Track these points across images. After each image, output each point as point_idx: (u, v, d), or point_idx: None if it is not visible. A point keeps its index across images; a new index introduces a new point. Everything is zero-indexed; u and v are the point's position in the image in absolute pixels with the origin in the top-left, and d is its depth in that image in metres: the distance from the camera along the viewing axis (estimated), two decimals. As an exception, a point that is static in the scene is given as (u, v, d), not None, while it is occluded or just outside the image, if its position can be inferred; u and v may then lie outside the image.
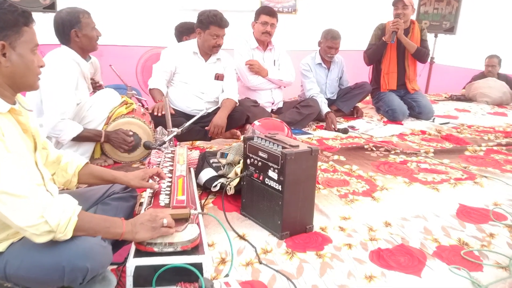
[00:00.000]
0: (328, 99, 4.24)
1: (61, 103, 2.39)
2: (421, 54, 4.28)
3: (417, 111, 4.29)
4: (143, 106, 3.17)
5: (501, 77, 5.34)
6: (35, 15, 1.34)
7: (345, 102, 4.31)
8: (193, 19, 3.28)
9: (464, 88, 5.58)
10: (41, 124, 2.40)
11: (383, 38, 4.21)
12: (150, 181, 1.76)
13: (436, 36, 5.45)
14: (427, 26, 5.24)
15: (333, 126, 3.79)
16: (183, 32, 3.89)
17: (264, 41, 3.86)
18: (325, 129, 3.87)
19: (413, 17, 4.90)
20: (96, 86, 2.94)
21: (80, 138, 2.48)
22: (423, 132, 3.79)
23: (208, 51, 3.26)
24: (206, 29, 3.15)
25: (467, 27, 5.43)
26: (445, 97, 5.52)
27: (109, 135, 2.55)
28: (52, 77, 2.34)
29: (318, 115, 3.97)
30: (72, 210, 1.24)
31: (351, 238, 1.88)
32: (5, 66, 1.26)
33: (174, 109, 3.20)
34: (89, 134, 2.51)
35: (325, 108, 4.00)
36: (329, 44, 4.12)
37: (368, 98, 4.93)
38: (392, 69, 4.33)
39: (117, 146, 2.57)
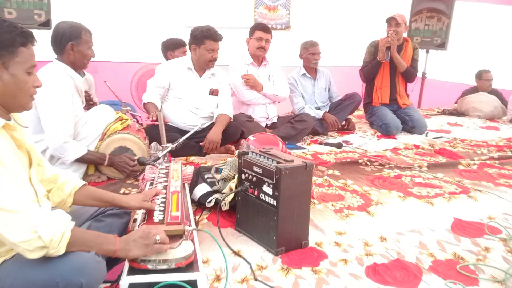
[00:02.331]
0: (319, 109, 4.38)
1: (64, 123, 2.40)
2: (409, 74, 4.36)
3: (410, 125, 4.33)
4: (137, 122, 3.17)
5: (492, 91, 5.42)
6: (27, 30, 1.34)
7: (337, 114, 4.37)
8: (187, 35, 3.30)
9: (456, 102, 5.64)
10: (38, 140, 2.39)
11: (377, 57, 4.26)
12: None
13: (427, 51, 5.53)
14: (418, 42, 5.31)
15: (336, 124, 4.16)
16: (168, 47, 3.94)
17: (259, 56, 3.90)
18: (328, 131, 4.19)
19: (405, 33, 4.97)
20: (90, 104, 2.94)
21: (83, 160, 2.49)
22: (417, 147, 3.82)
23: (204, 65, 3.28)
24: (201, 44, 3.18)
25: (458, 43, 5.52)
26: (438, 112, 5.57)
27: (113, 159, 2.56)
28: (49, 94, 2.34)
29: (312, 129, 4.00)
30: (65, 226, 1.23)
31: (346, 254, 1.87)
32: None
33: (168, 125, 3.20)
34: (92, 157, 2.52)
35: (318, 113, 4.22)
36: (312, 51, 4.32)
37: (362, 112, 4.98)
38: (385, 84, 4.38)
39: (120, 170, 2.60)
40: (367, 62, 4.44)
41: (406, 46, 4.34)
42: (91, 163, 2.57)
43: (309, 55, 4.33)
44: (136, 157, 2.61)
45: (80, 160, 2.47)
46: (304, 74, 4.41)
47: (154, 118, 2.99)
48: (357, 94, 4.48)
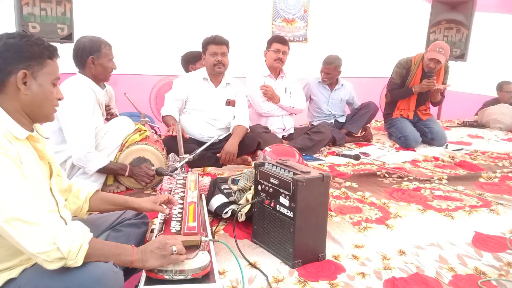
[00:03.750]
0: (336, 121, 4.46)
1: (87, 134, 2.45)
2: (437, 103, 4.38)
3: (429, 138, 4.26)
4: (156, 133, 3.21)
5: None
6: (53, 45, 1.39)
7: (353, 124, 4.40)
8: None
9: (476, 114, 5.55)
10: (59, 150, 2.44)
11: (413, 89, 4.13)
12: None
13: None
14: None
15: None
16: (189, 61, 3.97)
17: (276, 68, 3.92)
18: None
19: (423, 45, 4.93)
20: (109, 113, 3.00)
21: (105, 170, 2.53)
22: (436, 159, 3.76)
23: (211, 71, 3.32)
24: (206, 50, 3.27)
25: (478, 54, 5.45)
26: (458, 124, 5.49)
27: (133, 169, 2.60)
28: (71, 107, 2.39)
29: (329, 140, 4.03)
30: (83, 237, 1.25)
31: (364, 267, 1.84)
32: (24, 94, 1.30)
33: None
34: (114, 167, 2.56)
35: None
36: (322, 69, 4.40)
37: (380, 124, 4.93)
38: (411, 107, 4.32)
39: (139, 180, 2.63)
40: (396, 84, 4.30)
41: (439, 71, 4.17)
42: (113, 173, 2.61)
43: (321, 72, 4.41)
44: (154, 168, 2.65)
45: (101, 171, 2.51)
46: (320, 82, 4.45)
47: (175, 134, 3.01)
48: (373, 103, 4.47)
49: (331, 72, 4.33)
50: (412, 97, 4.27)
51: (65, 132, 2.45)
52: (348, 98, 4.54)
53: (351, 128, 4.40)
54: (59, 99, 1.40)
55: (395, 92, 4.33)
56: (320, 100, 4.43)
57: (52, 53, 1.35)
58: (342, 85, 4.49)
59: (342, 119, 4.49)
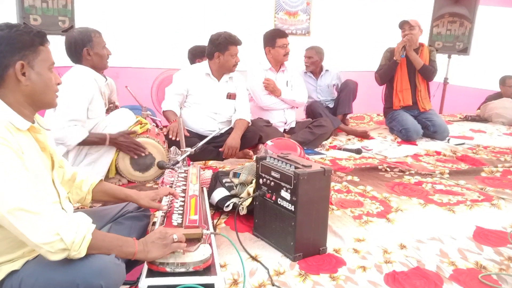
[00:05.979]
0: (327, 107, 4.60)
1: (72, 111, 2.42)
2: (427, 71, 4.25)
3: (432, 130, 4.25)
4: (157, 126, 3.21)
5: None
6: (55, 37, 1.40)
7: (342, 105, 4.54)
8: (206, 41, 3.34)
9: (479, 108, 5.54)
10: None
11: (394, 58, 4.25)
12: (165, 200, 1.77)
13: (449, 57, 5.44)
14: (440, 47, 5.24)
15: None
16: (196, 55, 3.96)
17: (283, 62, 3.93)
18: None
19: (426, 38, 4.91)
20: (111, 107, 2.99)
21: (86, 143, 2.50)
22: (438, 153, 3.75)
23: (228, 71, 3.34)
24: (226, 50, 3.24)
25: (481, 48, 5.41)
26: (460, 118, 5.47)
27: (115, 138, 2.54)
28: (68, 89, 2.37)
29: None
30: (86, 228, 1.25)
31: (365, 261, 1.85)
32: (25, 84, 1.30)
33: (187, 130, 3.23)
34: (94, 139, 2.51)
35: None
36: (304, 56, 4.63)
37: (382, 118, 4.92)
38: (405, 86, 4.33)
39: (126, 150, 2.58)
40: (382, 65, 4.44)
41: (421, 50, 4.27)
42: (94, 144, 2.54)
43: (304, 60, 4.62)
44: (156, 159, 2.64)
45: (82, 143, 2.48)
46: (306, 73, 4.67)
47: (174, 139, 2.99)
48: (349, 80, 4.58)
49: (312, 56, 4.55)
50: (403, 73, 4.30)
51: (57, 108, 2.38)
52: (335, 82, 4.68)
53: (343, 109, 4.52)
54: (58, 84, 1.40)
55: (381, 71, 4.41)
56: (309, 89, 4.52)
57: (42, 39, 1.34)
58: (326, 70, 4.66)
59: (331, 105, 4.64)
